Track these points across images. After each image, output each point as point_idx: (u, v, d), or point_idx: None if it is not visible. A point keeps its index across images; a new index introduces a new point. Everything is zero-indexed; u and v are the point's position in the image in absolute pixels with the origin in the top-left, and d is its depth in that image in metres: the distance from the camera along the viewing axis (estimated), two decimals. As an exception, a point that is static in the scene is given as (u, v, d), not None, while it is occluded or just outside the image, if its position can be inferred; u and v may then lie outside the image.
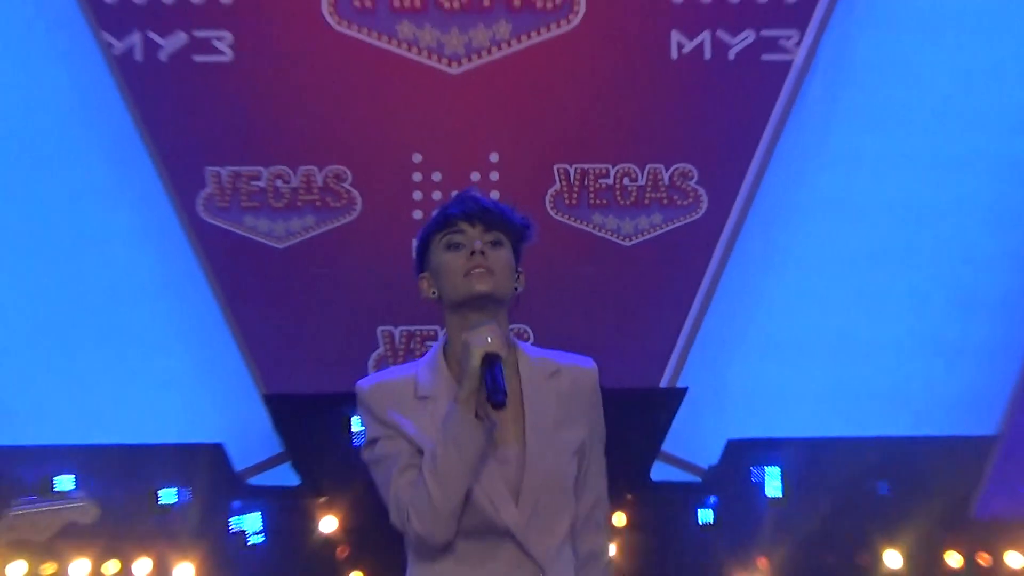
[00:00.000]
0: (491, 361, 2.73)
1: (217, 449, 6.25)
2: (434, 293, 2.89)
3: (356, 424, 6.06)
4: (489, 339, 2.77)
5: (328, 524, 6.16)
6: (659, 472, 6.16)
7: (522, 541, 2.89)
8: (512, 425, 2.92)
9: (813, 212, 6.38)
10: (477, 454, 2.80)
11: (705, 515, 6.01)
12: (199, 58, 6.35)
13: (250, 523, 6.16)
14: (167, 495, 6.12)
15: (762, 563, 6.06)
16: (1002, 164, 6.35)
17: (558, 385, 2.97)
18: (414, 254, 2.92)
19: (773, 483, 6.16)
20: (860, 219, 6.38)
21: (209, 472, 6.26)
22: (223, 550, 6.06)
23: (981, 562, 6.19)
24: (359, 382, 2.93)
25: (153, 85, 6.31)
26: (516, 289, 2.90)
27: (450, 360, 2.93)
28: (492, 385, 2.72)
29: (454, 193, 5.70)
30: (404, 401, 2.92)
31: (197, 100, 6.34)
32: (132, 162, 6.31)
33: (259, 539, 6.12)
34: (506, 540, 2.91)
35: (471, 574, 2.90)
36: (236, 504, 6.19)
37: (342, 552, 6.17)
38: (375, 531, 5.83)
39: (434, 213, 2.95)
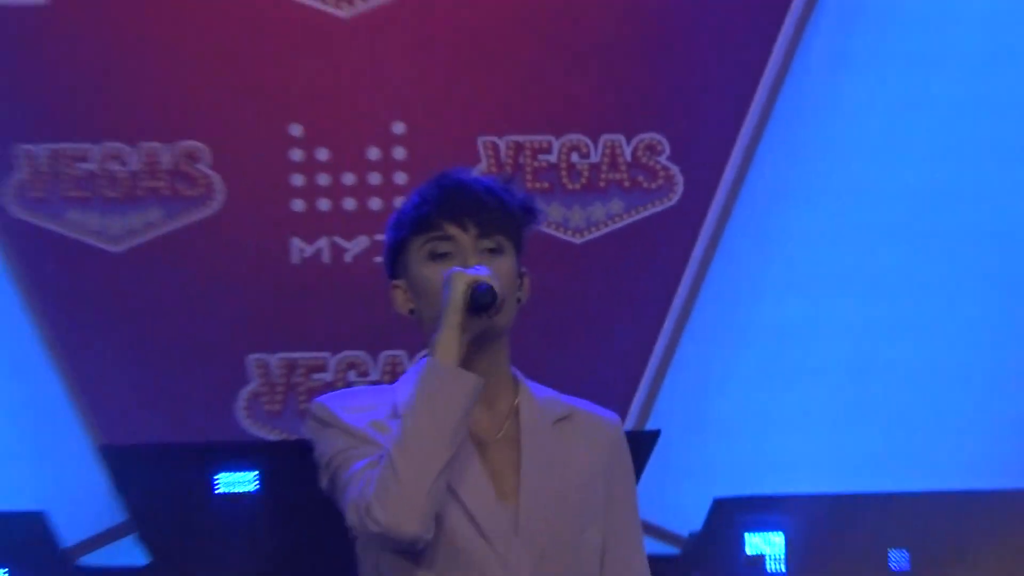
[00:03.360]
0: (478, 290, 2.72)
1: (37, 518, 5.85)
2: (411, 311, 2.85)
3: (224, 484, 5.82)
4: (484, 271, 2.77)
5: None
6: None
7: None
8: (506, 477, 2.88)
9: (820, 196, 6.07)
10: (460, 416, 2.71)
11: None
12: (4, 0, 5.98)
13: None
14: None
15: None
16: None
17: (566, 432, 2.91)
18: (383, 253, 2.90)
19: (774, 553, 5.89)
20: (883, 202, 6.08)
21: (28, 549, 5.89)
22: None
23: None
24: (316, 398, 2.97)
25: None
26: (519, 300, 2.87)
27: None
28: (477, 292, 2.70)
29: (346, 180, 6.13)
30: (378, 416, 2.86)
31: (3, 58, 5.95)
32: None
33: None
34: None
35: None
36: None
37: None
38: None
39: (411, 198, 2.86)
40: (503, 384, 2.82)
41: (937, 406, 6.02)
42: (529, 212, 2.84)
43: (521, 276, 2.81)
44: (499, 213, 2.78)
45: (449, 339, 2.65)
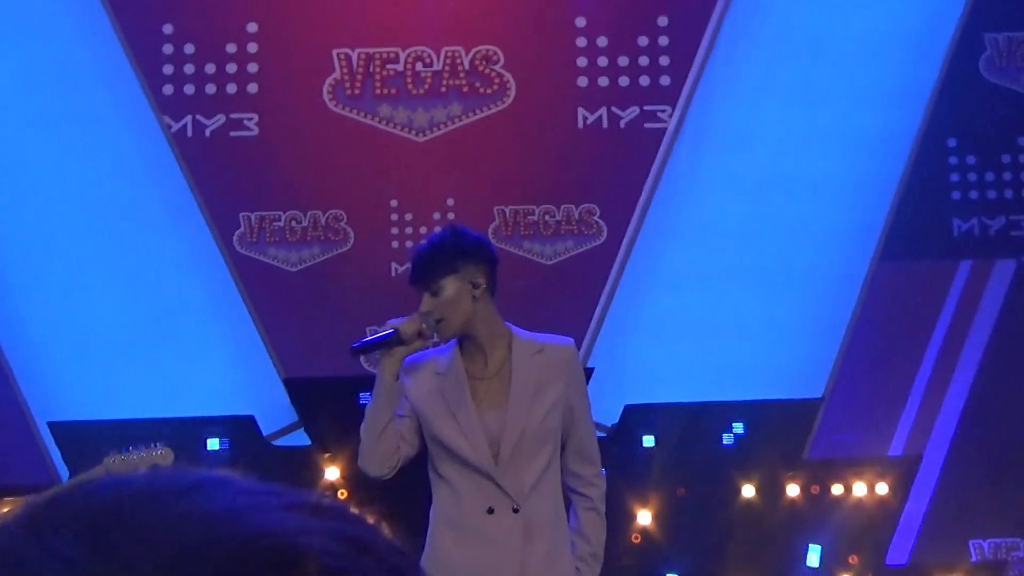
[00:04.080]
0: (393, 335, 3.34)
1: (250, 420, 7.12)
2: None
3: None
4: (399, 320, 3.45)
5: (332, 473, 6.96)
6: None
7: (498, 480, 3.55)
8: (501, 393, 3.59)
9: (687, 233, 7.43)
10: (385, 405, 3.45)
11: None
12: (233, 133, 7.34)
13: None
14: (213, 444, 6.96)
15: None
16: (840, 140, 7.22)
17: (541, 360, 3.63)
18: None
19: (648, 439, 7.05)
20: (717, 204, 7.36)
21: (244, 438, 7.05)
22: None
23: (813, 492, 7.26)
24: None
25: (200, 154, 7.30)
26: (475, 299, 3.56)
27: (464, 350, 3.73)
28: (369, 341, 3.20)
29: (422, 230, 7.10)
30: (422, 373, 3.65)
31: (232, 164, 7.34)
32: (187, 214, 7.30)
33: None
34: (485, 478, 3.57)
35: (462, 500, 3.56)
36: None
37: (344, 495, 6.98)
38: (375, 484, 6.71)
39: None
40: (495, 341, 3.48)
41: (756, 352, 7.17)
42: (452, 258, 3.38)
43: (473, 285, 3.37)
44: (424, 272, 3.41)
45: (383, 364, 3.27)
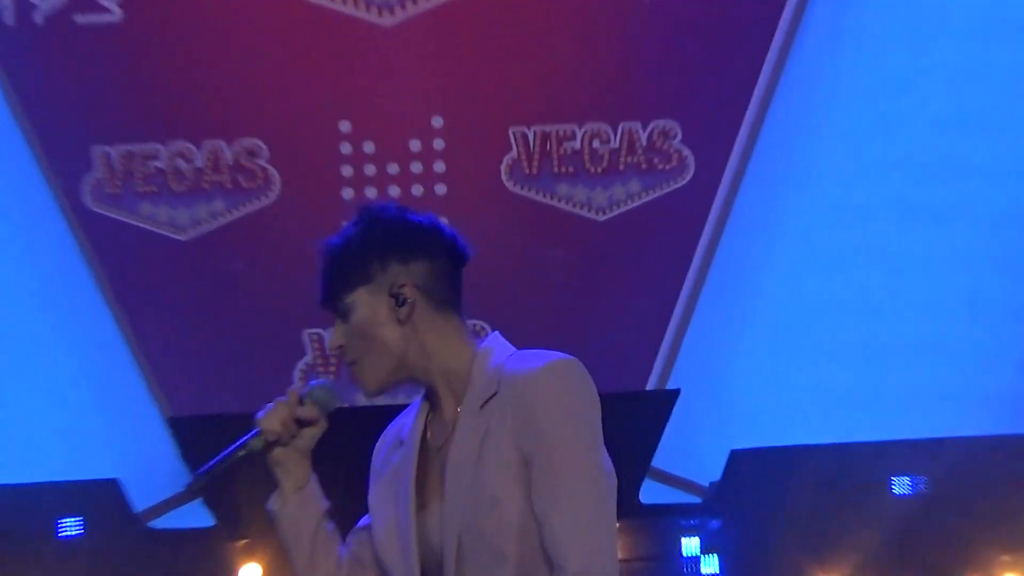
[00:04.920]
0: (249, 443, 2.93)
1: (111, 485, 6.29)
2: None
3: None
4: (261, 420, 2.90)
5: (251, 572, 6.20)
6: (649, 493, 6.15)
7: None
8: (439, 478, 2.93)
9: (819, 175, 6.49)
10: (295, 543, 2.98)
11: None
12: (81, 18, 6.45)
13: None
14: (70, 526, 6.34)
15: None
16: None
17: (488, 412, 2.86)
18: None
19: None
20: (871, 184, 6.49)
21: (104, 513, 6.31)
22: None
23: None
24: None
25: (28, 51, 6.43)
26: (399, 321, 2.86)
27: (430, 402, 3.03)
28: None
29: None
30: (386, 445, 3.08)
31: (81, 68, 6.44)
32: (3, 144, 6.43)
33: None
34: None
35: None
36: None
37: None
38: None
39: None
40: (448, 394, 2.92)
41: (930, 383, 6.36)
42: (344, 275, 2.88)
43: (396, 299, 2.86)
44: (328, 280, 2.91)
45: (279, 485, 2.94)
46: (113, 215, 6.48)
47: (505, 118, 6.52)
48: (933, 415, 6.42)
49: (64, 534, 6.41)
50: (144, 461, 6.42)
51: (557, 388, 2.80)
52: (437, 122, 6.51)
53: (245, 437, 2.88)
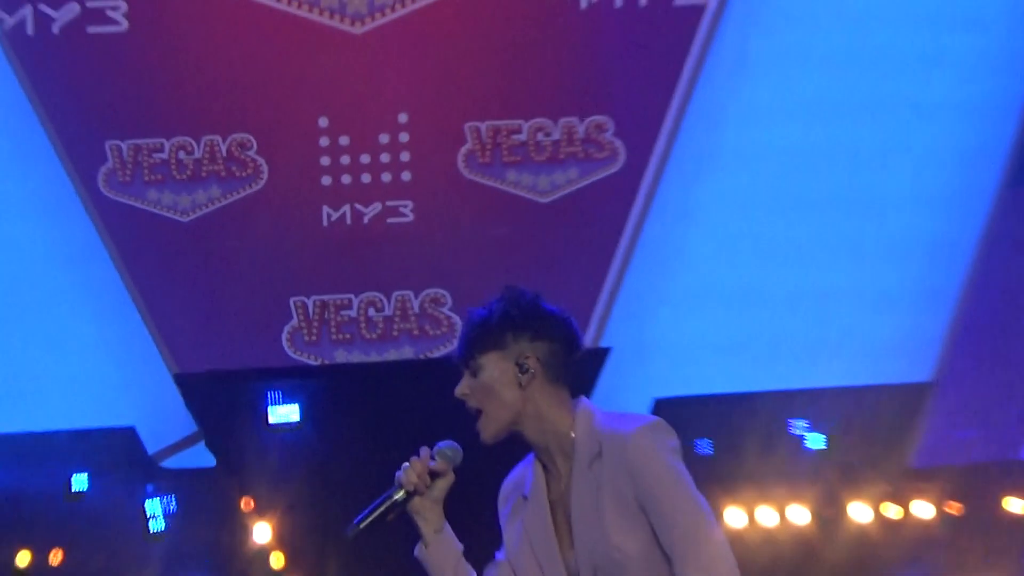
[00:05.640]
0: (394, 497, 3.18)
1: (129, 432, 6.57)
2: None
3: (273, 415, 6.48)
4: (401, 476, 3.16)
5: (246, 504, 6.48)
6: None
7: None
8: (567, 531, 3.20)
9: (734, 160, 6.76)
10: (434, 574, 3.23)
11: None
12: (93, 29, 6.67)
13: (162, 506, 6.49)
14: (79, 482, 6.39)
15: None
16: (934, 109, 6.75)
17: (600, 471, 3.16)
18: None
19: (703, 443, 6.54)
20: (783, 165, 6.73)
21: (122, 456, 6.55)
22: (137, 535, 6.40)
23: (920, 513, 6.49)
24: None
25: (46, 59, 6.62)
26: (520, 386, 3.15)
27: (542, 463, 3.27)
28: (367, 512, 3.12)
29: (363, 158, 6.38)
30: (514, 500, 3.32)
31: (93, 73, 6.67)
32: (29, 140, 6.60)
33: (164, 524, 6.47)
34: None
35: None
36: (150, 488, 6.52)
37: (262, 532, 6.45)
38: (293, 510, 6.47)
39: None
40: (558, 452, 3.21)
41: (838, 327, 6.55)
42: (485, 334, 3.15)
43: (520, 368, 3.13)
44: (467, 341, 3.17)
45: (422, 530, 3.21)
46: (124, 200, 6.66)
47: (461, 115, 6.72)
48: (826, 365, 6.52)
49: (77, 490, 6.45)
50: (154, 411, 6.58)
51: (651, 448, 3.10)
52: (403, 118, 6.72)
53: (389, 492, 3.13)
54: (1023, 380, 6.75)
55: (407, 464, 3.16)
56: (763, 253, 6.71)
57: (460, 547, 3.30)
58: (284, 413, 6.33)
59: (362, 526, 3.08)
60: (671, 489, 3.11)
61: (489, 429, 3.18)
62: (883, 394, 6.53)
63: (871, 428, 6.48)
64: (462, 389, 3.20)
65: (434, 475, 3.20)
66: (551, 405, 3.18)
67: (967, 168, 6.71)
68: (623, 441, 3.10)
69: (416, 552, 3.23)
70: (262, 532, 6.43)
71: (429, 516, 3.22)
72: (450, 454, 3.19)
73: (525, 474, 3.28)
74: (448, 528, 3.29)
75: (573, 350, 3.23)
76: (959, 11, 6.78)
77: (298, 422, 6.42)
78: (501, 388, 3.16)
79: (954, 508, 6.52)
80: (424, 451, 3.20)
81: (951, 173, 6.75)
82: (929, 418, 6.61)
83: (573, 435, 3.16)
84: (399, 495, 3.13)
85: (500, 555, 3.34)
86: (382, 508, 3.12)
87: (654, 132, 6.67)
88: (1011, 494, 6.50)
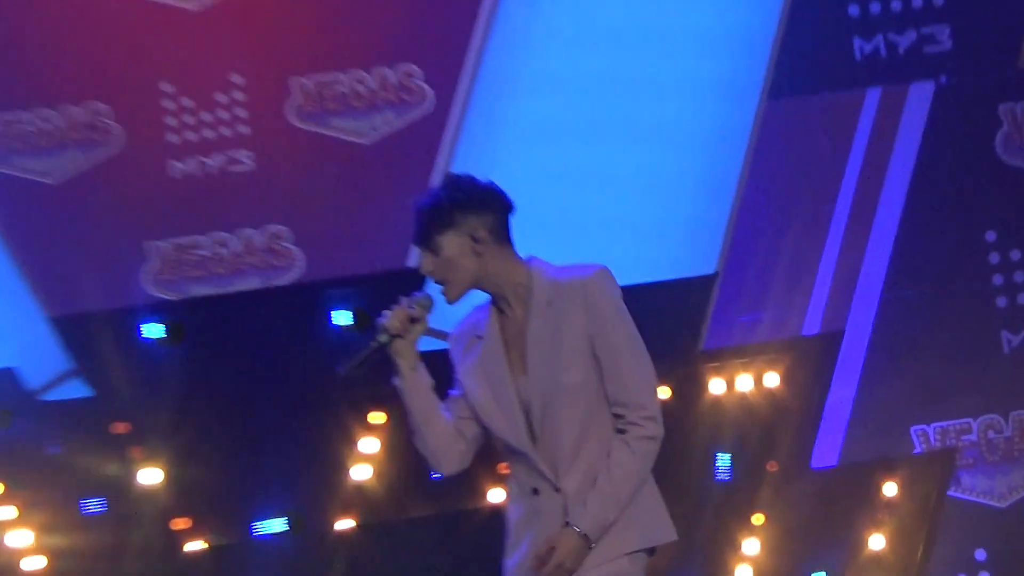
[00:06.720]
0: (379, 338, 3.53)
1: (9, 374, 6.91)
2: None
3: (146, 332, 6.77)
4: (384, 322, 3.52)
5: (122, 428, 6.81)
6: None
7: (534, 459, 3.56)
8: (522, 361, 3.56)
9: (532, 87, 7.25)
10: (415, 405, 3.58)
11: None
12: None
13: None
14: None
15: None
16: None
17: (556, 309, 3.53)
18: None
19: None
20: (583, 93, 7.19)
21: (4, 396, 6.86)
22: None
23: (713, 388, 6.86)
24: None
25: None
26: (477, 254, 3.50)
27: (497, 308, 3.63)
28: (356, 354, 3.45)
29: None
30: (465, 341, 3.66)
31: None
32: None
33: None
34: (526, 456, 3.58)
35: (517, 478, 3.64)
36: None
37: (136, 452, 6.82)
38: (171, 431, 6.72)
39: None
40: (514, 297, 3.55)
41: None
42: (443, 213, 3.47)
43: (474, 239, 3.45)
44: (420, 230, 3.51)
45: (395, 368, 3.52)
46: (-7, 168, 7.10)
47: (287, 72, 7.22)
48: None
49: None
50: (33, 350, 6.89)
51: (607, 288, 3.53)
52: (237, 79, 7.22)
53: (374, 337, 3.44)
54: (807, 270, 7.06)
55: (389, 312, 3.53)
56: (570, 179, 7.10)
57: (431, 381, 3.69)
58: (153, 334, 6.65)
59: (354, 366, 3.45)
60: (621, 326, 3.55)
61: (453, 294, 3.54)
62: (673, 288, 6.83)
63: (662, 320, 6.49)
64: (426, 267, 3.55)
65: (412, 320, 3.59)
66: (505, 263, 3.55)
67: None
68: (583, 283, 3.53)
69: (395, 382, 3.60)
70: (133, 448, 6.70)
71: (407, 355, 3.59)
72: (425, 302, 3.58)
73: (478, 319, 3.63)
74: (422, 365, 3.67)
75: (510, 213, 3.62)
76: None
77: (164, 339, 6.71)
78: (461, 260, 3.50)
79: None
80: (404, 300, 3.59)
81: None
82: (716, 305, 6.98)
83: (529, 283, 3.54)
84: (384, 338, 3.50)
85: (454, 392, 3.70)
86: (370, 350, 3.47)
87: (456, 76, 7.19)
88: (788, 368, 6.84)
